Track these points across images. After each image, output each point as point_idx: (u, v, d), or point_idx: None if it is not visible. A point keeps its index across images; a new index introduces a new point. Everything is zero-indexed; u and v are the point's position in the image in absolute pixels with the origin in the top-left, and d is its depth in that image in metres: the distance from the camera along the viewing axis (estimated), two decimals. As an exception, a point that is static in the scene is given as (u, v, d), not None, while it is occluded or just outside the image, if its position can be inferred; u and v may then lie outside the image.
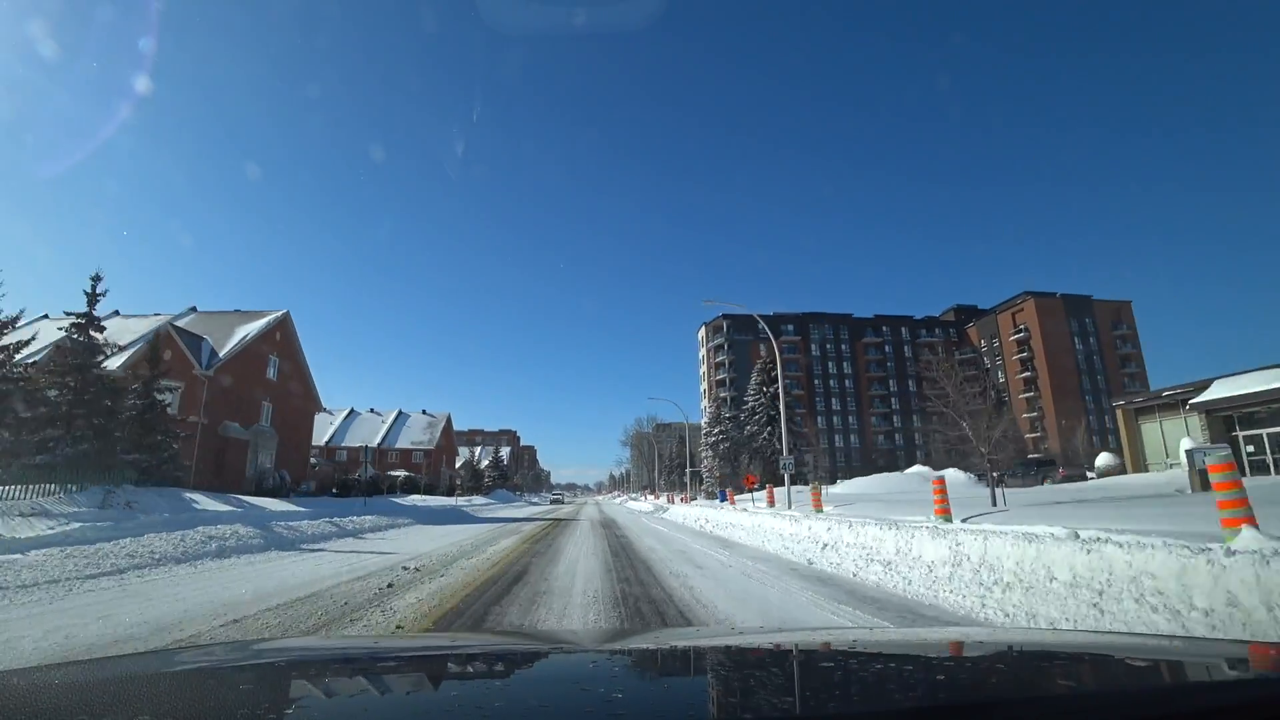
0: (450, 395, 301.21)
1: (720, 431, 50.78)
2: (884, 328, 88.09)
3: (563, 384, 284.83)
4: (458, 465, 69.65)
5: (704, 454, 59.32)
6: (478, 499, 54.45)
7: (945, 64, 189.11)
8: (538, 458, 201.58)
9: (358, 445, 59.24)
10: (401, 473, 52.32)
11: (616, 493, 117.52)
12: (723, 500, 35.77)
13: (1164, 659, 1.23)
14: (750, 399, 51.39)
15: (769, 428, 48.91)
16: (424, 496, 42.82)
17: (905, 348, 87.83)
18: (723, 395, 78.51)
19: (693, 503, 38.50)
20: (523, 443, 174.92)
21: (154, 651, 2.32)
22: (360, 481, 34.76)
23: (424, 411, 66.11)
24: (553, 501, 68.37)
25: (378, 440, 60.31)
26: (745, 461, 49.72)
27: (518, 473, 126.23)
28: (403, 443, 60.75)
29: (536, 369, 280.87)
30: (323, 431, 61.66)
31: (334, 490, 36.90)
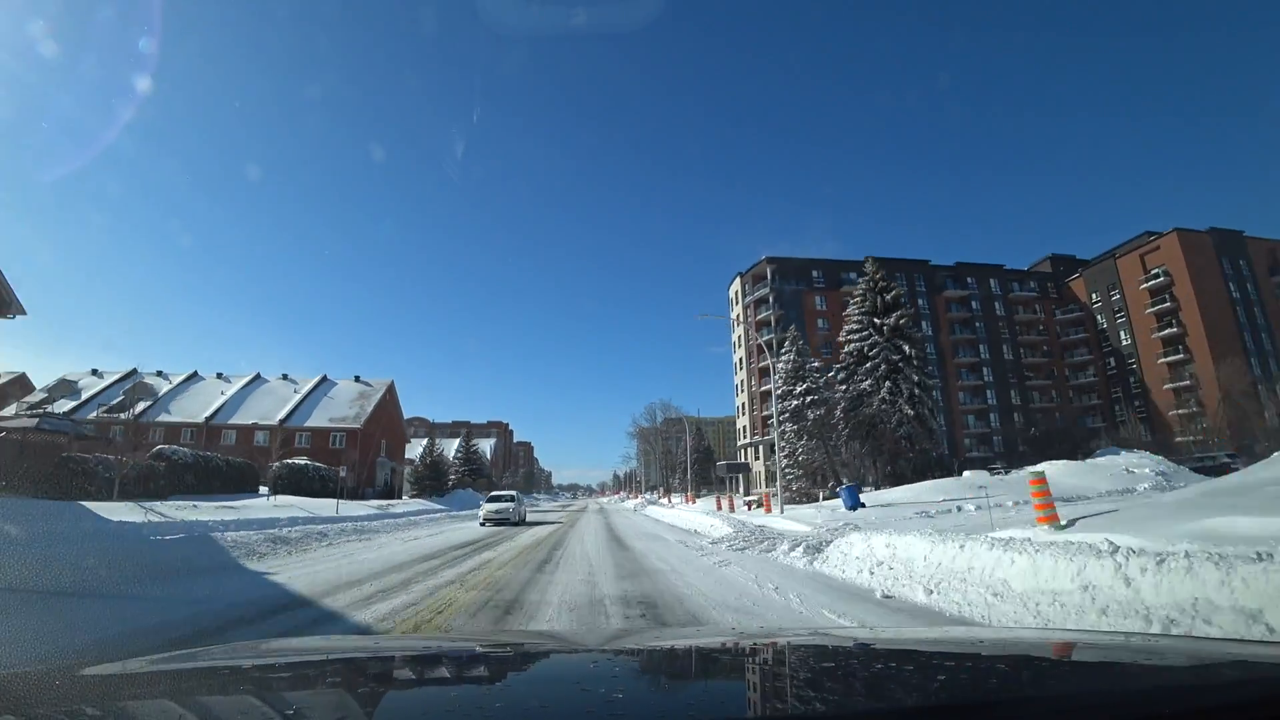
0: (450, 394, 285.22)
1: (805, 392, 31.37)
2: (968, 278, 68.65)
3: (563, 385, 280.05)
4: (416, 454, 50.86)
5: (772, 431, 39.68)
6: (414, 504, 35.39)
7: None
8: (534, 455, 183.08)
9: (250, 423, 40.22)
10: (304, 460, 33.36)
11: (622, 493, 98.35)
12: (852, 502, 17.82)
13: (1164, 659, 1.22)
14: (855, 336, 32.10)
15: (888, 380, 29.76)
16: (288, 499, 23.73)
17: (996, 304, 68.44)
18: (768, 361, 59.24)
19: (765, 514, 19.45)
20: (517, 438, 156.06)
21: (156, 654, 1.70)
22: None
23: (357, 378, 47.06)
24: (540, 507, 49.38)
25: (281, 416, 41.29)
26: (842, 437, 30.46)
27: (509, 470, 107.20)
28: (316, 419, 41.64)
29: (535, 370, 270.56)
30: (205, 403, 42.67)
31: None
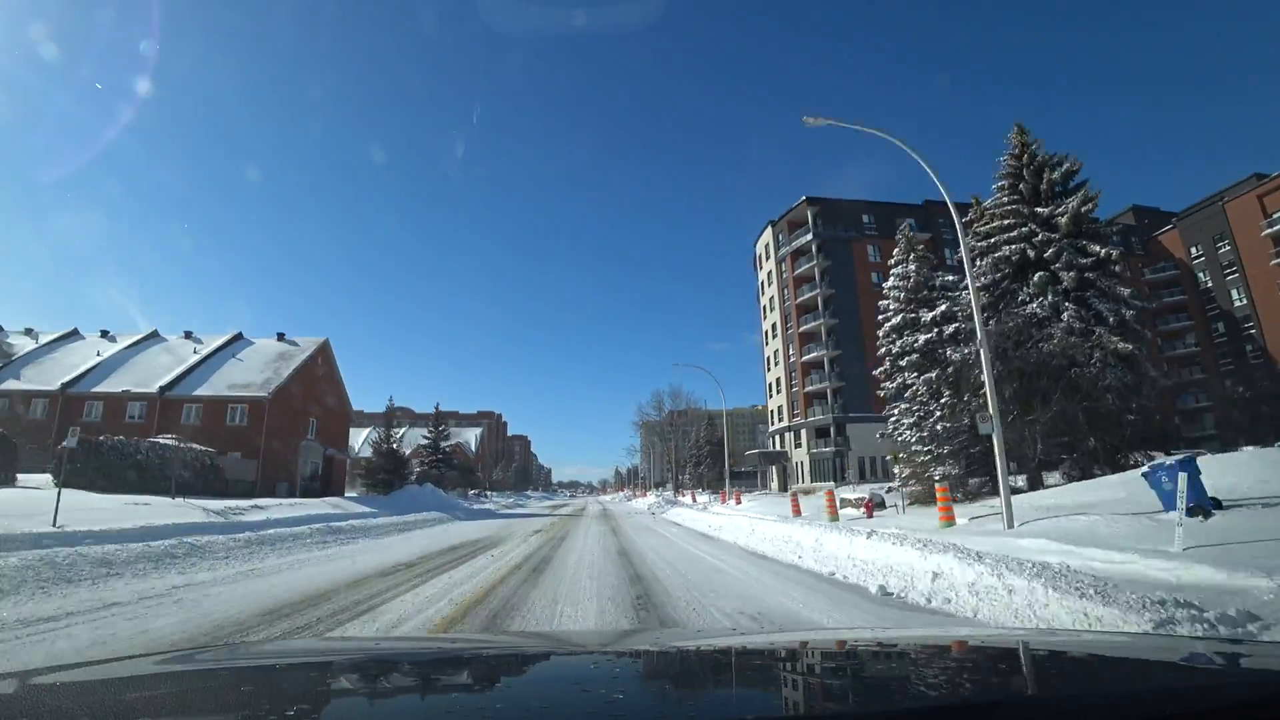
0: (452, 393, 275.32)
1: (943, 319, 19.52)
2: (1043, 230, 57.25)
3: (564, 384, 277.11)
4: (370, 442, 39.54)
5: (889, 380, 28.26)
6: (320, 507, 23.79)
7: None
8: (532, 450, 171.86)
9: (121, 390, 28.87)
10: (190, 444, 22.00)
11: (626, 491, 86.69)
12: (1196, 498, 6.40)
13: (1164, 659, 1.22)
14: (1002, 235, 20.26)
15: (1071, 302, 18.34)
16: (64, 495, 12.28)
17: (1076, 260, 56.97)
18: (811, 326, 47.86)
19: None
20: (512, 431, 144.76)
21: (155, 654, 1.95)
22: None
23: (280, 336, 35.56)
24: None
25: (164, 383, 29.86)
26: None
27: (499, 464, 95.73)
28: (212, 388, 30.12)
29: (535, 368, 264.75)
30: (70, 367, 31.28)
31: None
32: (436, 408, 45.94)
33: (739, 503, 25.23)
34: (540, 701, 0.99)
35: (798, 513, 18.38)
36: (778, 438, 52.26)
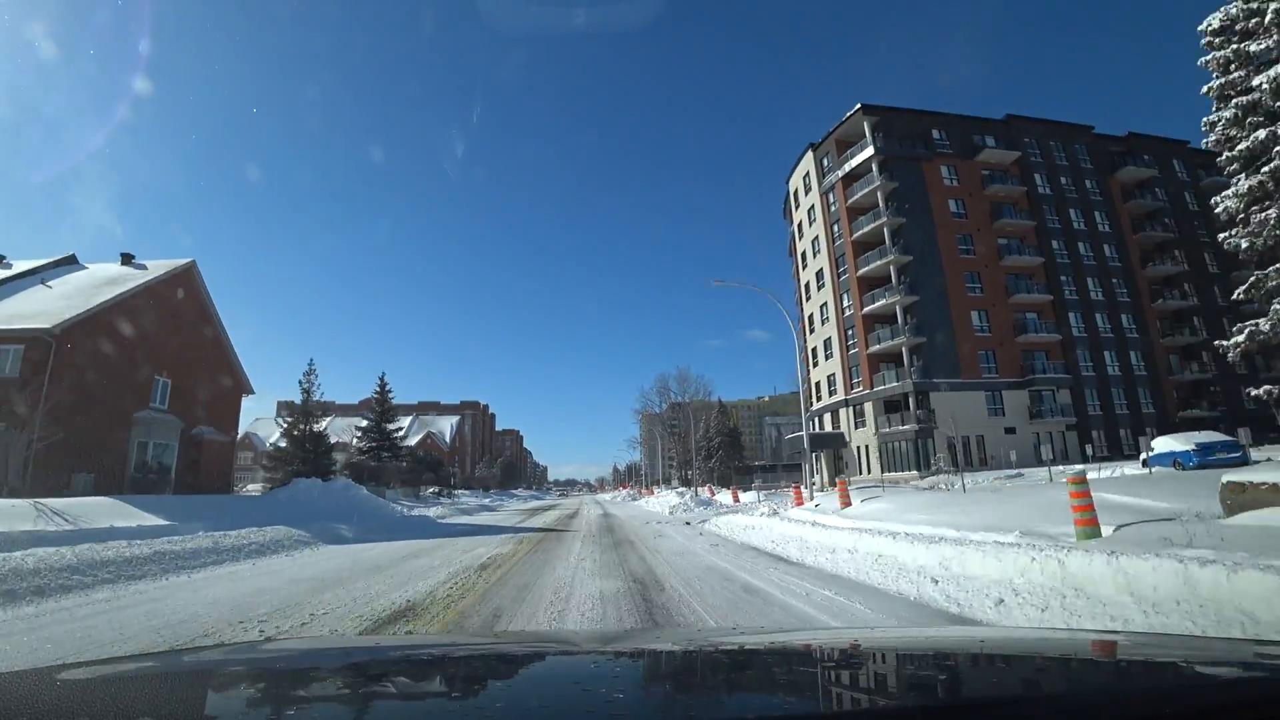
0: (449, 391, 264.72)
1: None
2: (1144, 155, 46.11)
3: (557, 384, 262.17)
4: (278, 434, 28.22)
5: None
6: (127, 511, 12.48)
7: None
8: (525, 446, 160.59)
9: None
10: None
11: (629, 489, 75.00)
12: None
13: (1164, 658, 1.22)
14: None
15: None
16: None
17: (1186, 195, 45.93)
18: (874, 266, 36.63)
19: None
20: (504, 425, 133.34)
21: (155, 653, 2.05)
22: None
23: (127, 259, 24.06)
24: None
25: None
26: None
27: (484, 459, 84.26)
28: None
29: (532, 369, 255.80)
30: None
31: None
32: (381, 380, 34.53)
33: (846, 503, 14.04)
34: (540, 701, 0.98)
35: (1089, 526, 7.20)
36: (824, 418, 41.03)
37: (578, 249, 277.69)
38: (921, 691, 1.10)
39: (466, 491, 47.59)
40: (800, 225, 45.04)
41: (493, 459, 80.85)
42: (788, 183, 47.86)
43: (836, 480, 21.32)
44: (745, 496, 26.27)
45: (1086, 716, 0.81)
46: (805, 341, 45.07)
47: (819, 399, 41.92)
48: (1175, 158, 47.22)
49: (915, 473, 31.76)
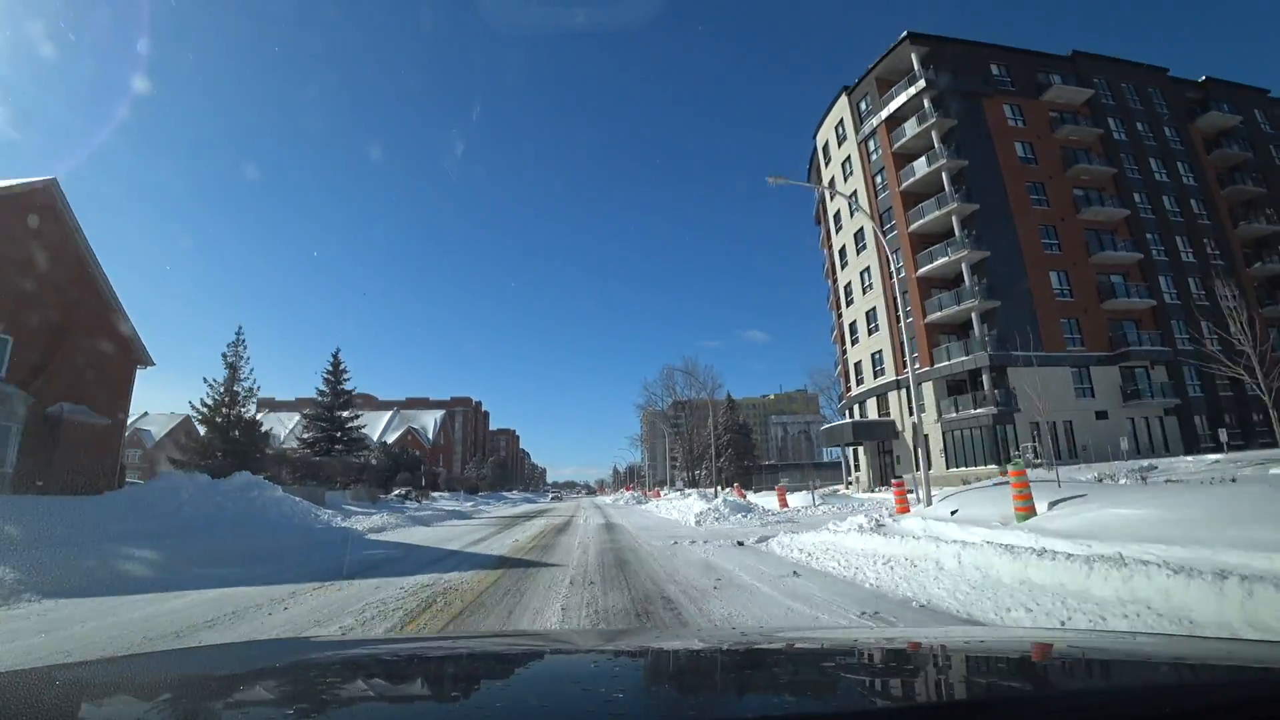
0: (446, 394, 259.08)
1: None
2: (1224, 103, 40.09)
3: (556, 386, 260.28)
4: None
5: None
6: None
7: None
8: (522, 447, 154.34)
9: None
10: None
11: (632, 490, 68.23)
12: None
13: (1164, 658, 1.22)
14: None
15: None
16: None
17: (1271, 149, 39.94)
18: (929, 219, 30.48)
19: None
20: (500, 425, 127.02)
21: (154, 652, 2.00)
22: None
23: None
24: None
25: None
26: None
27: (474, 458, 77.82)
28: None
29: (532, 368, 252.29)
30: None
31: None
32: (334, 358, 28.25)
33: (1028, 510, 7.95)
34: (539, 700, 0.97)
35: None
36: (868, 405, 34.84)
37: (578, 250, 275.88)
38: (921, 691, 1.08)
39: (446, 494, 41.31)
40: (829, 185, 38.92)
41: (483, 458, 74.34)
42: (814, 137, 41.77)
43: (892, 481, 15.36)
44: (794, 500, 20.15)
45: (1086, 716, 0.81)
46: (840, 317, 38.90)
47: (859, 382, 35.68)
48: (1257, 107, 41.26)
49: (993, 467, 25.62)
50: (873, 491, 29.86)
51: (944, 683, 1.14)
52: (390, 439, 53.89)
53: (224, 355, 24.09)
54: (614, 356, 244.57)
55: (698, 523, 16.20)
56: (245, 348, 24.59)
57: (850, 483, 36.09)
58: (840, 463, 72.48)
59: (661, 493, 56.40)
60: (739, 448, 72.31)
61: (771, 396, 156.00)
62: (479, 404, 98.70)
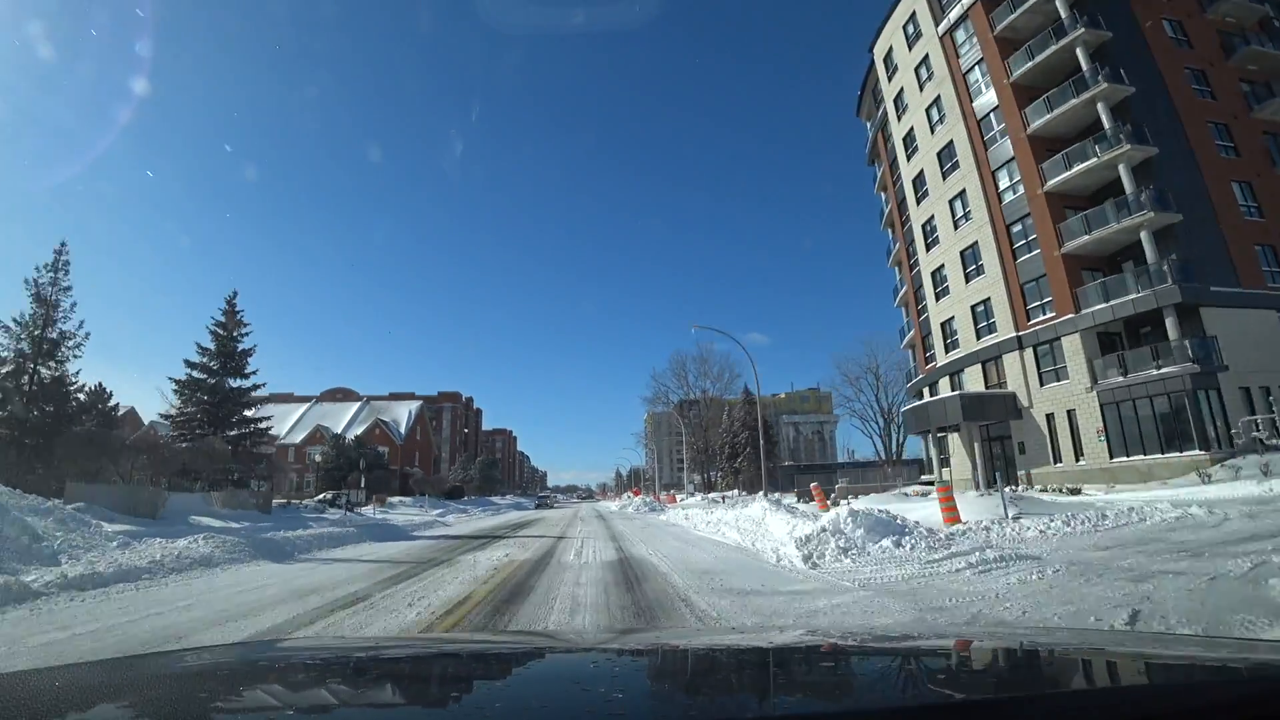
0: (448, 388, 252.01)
1: None
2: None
3: (558, 387, 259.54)
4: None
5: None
6: None
7: None
8: (519, 448, 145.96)
9: None
10: None
11: (639, 494, 59.61)
12: None
13: (1164, 658, 1.21)
14: None
15: None
16: None
17: None
18: (1056, 115, 21.95)
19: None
20: (494, 424, 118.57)
21: (156, 653, 2.03)
22: None
23: None
24: None
25: None
26: None
27: (461, 457, 69.33)
28: None
29: (531, 369, 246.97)
30: None
31: None
32: (229, 301, 19.97)
33: None
34: (539, 700, 0.96)
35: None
36: (961, 377, 26.30)
37: (576, 252, 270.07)
38: (921, 691, 1.08)
39: (409, 500, 32.76)
40: (899, 98, 30.47)
41: (470, 458, 65.84)
42: (871, 51, 33.37)
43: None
44: (927, 506, 11.64)
45: (1086, 716, 0.80)
46: (914, 269, 30.41)
47: (950, 347, 27.12)
48: None
49: (1199, 452, 17.16)
50: (983, 494, 21.42)
51: (944, 682, 1.11)
52: (357, 432, 45.62)
53: (31, 281, 15.66)
54: (614, 358, 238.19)
55: (807, 559, 7.85)
56: (67, 273, 16.25)
57: (932, 482, 27.52)
58: (875, 460, 63.85)
59: (678, 498, 47.84)
60: (762, 445, 63.98)
61: (783, 395, 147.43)
62: (470, 400, 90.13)
